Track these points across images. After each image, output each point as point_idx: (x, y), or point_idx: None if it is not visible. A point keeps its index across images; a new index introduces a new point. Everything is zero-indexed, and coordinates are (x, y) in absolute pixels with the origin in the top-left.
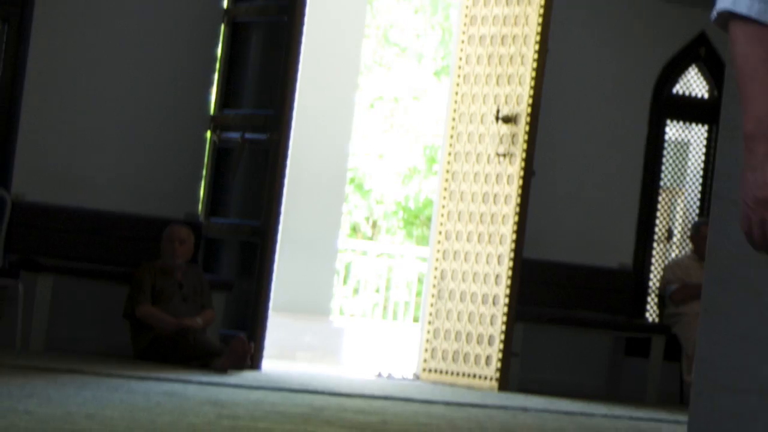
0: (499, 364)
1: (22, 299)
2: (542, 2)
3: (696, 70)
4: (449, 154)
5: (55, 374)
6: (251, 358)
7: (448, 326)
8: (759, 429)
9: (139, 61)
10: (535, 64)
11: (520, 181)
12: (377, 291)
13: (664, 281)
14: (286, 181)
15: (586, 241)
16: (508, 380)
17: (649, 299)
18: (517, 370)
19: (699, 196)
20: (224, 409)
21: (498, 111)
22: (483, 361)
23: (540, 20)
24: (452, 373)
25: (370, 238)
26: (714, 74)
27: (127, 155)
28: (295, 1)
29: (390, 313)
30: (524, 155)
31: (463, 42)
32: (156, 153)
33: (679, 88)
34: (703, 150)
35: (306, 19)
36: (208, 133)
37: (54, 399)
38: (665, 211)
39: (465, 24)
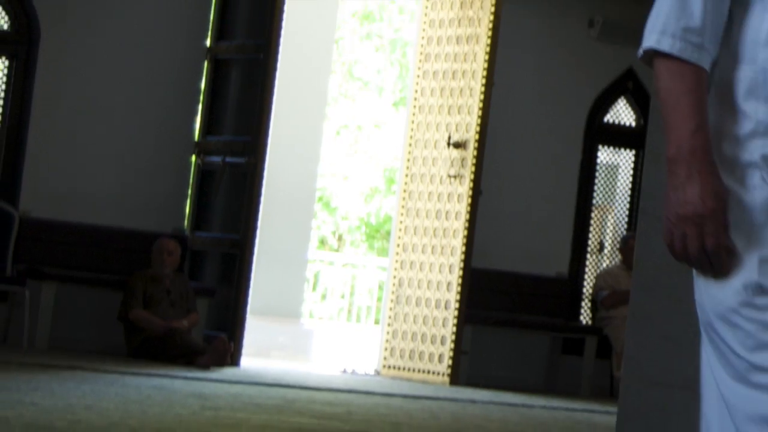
0: (450, 362)
1: (29, 304)
2: (488, 42)
3: (624, 101)
4: (406, 175)
5: (57, 370)
6: (231, 356)
7: (405, 328)
8: (681, 419)
9: (133, 94)
10: (482, 96)
11: (469, 200)
12: (342, 297)
13: (596, 288)
14: (262, 199)
15: (527, 252)
16: (458, 376)
17: (583, 304)
18: (466, 366)
19: (627, 212)
20: (207, 402)
21: (449, 137)
22: (436, 358)
23: (486, 57)
24: (409, 370)
25: (336, 250)
26: (641, 105)
27: (121, 176)
28: (269, 41)
29: (354, 316)
30: (472, 177)
31: (418, 77)
32: (147, 174)
33: (609, 117)
34: (631, 172)
35: (279, 57)
36: (193, 157)
37: (56, 392)
38: (597, 226)
39: (420, 61)
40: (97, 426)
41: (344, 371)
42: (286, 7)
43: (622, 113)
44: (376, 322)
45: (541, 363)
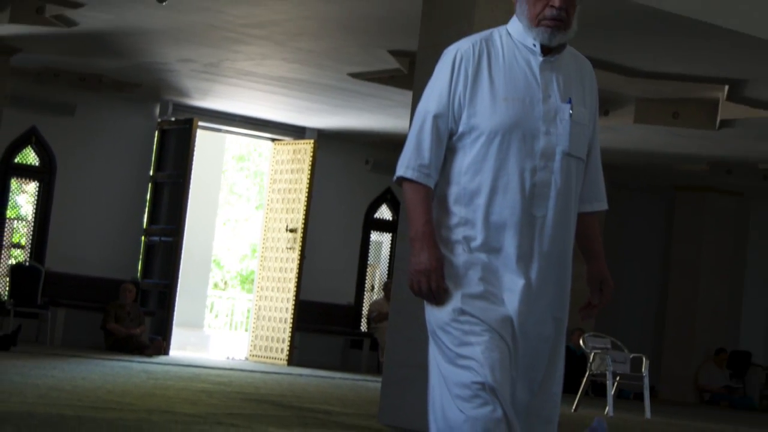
0: (287, 353)
1: (50, 320)
2: (309, 173)
3: (386, 206)
4: (263, 248)
5: (66, 358)
6: (164, 350)
7: (263, 334)
8: (418, 386)
9: (109, 201)
10: (305, 204)
11: (298, 262)
12: (227, 315)
13: (370, 311)
14: (182, 261)
15: (330, 289)
16: (292, 360)
17: (362, 320)
18: (296, 355)
19: (387, 268)
20: (151, 375)
21: (287, 226)
22: (280, 350)
23: (308, 182)
24: (264, 357)
25: (224, 290)
26: (395, 208)
27: (103, 248)
28: (185, 172)
29: (233, 327)
30: (300, 249)
31: (270, 192)
32: (117, 247)
33: (377, 215)
34: (390, 245)
35: (191, 181)
36: (143, 237)
37: (66, 370)
38: (371, 275)
39: (271, 183)
40: (89, 388)
41: (227, 358)
42: (195, 153)
43: (385, 212)
44: (246, 330)
45: (339, 353)
